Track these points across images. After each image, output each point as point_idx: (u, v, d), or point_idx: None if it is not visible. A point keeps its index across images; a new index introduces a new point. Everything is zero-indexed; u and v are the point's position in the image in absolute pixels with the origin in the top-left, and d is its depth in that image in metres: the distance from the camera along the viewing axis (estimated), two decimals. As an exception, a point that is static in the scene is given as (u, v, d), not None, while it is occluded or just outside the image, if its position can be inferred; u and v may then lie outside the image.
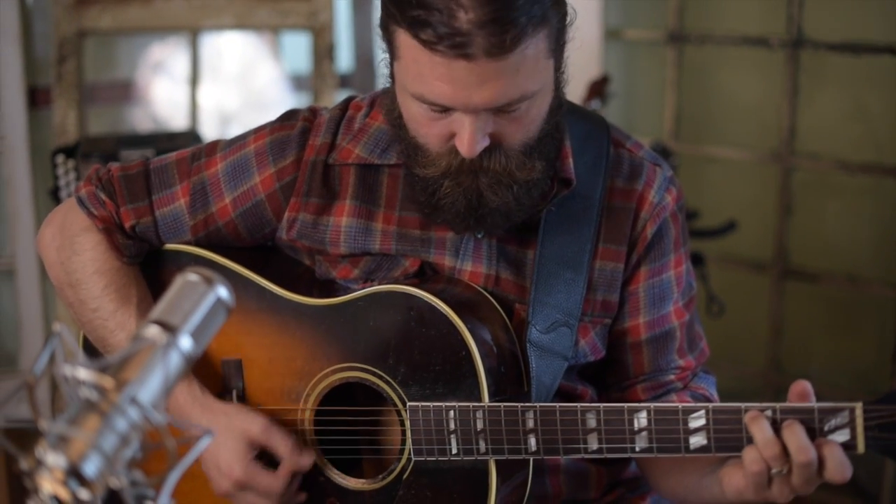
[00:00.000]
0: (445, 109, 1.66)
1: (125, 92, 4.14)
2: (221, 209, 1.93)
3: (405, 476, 1.81)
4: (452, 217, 1.78)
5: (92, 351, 1.96)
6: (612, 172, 1.89)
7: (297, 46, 4.45)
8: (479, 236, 1.86)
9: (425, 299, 1.77)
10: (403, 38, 1.63)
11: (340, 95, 4.13)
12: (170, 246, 1.97)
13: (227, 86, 4.42)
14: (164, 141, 3.20)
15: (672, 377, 1.91)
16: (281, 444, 1.84)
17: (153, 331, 1.15)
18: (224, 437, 1.84)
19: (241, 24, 3.95)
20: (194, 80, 4.03)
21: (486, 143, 1.68)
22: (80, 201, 1.95)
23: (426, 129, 1.71)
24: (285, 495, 1.85)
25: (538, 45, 1.63)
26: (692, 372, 1.94)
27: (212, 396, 1.88)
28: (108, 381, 1.10)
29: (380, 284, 1.85)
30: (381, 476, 1.84)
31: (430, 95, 1.65)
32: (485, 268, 1.87)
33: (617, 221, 1.88)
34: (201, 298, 1.18)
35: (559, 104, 1.77)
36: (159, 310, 1.17)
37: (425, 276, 1.89)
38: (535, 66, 1.65)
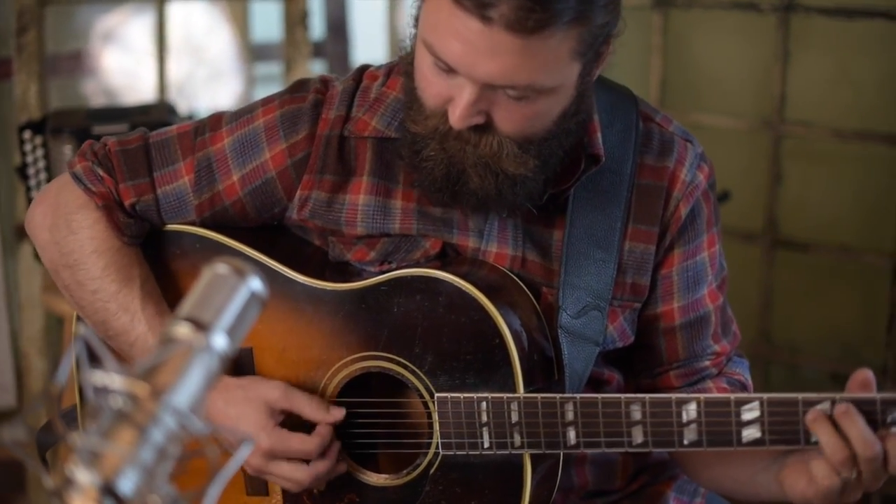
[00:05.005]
0: (450, 70, 1.56)
1: (79, 63, 3.98)
2: (228, 187, 1.80)
3: (432, 471, 1.71)
4: (429, 184, 1.67)
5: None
6: (641, 149, 1.79)
7: (266, 14, 4.32)
8: (504, 216, 1.75)
9: (455, 284, 1.66)
10: None
11: (313, 64, 4.00)
12: (171, 227, 1.84)
13: (185, 56, 4.29)
14: (138, 114, 3.04)
15: (707, 363, 1.82)
16: (305, 405, 1.72)
17: (184, 330, 1.03)
18: (243, 409, 1.72)
19: (211, -9, 3.80)
20: (161, 50, 3.86)
21: (479, 120, 1.58)
22: (76, 177, 1.81)
23: (427, 82, 1.62)
24: (324, 462, 1.72)
25: (566, 41, 1.52)
26: (727, 357, 1.85)
27: (224, 374, 1.76)
28: (142, 389, 0.99)
29: (399, 267, 1.74)
30: (405, 471, 1.73)
31: (438, 48, 1.55)
32: (511, 249, 1.76)
33: (647, 201, 1.78)
34: (233, 292, 1.07)
35: (576, 111, 1.66)
36: (188, 306, 1.05)
37: (447, 257, 1.77)
38: (556, 61, 1.54)
